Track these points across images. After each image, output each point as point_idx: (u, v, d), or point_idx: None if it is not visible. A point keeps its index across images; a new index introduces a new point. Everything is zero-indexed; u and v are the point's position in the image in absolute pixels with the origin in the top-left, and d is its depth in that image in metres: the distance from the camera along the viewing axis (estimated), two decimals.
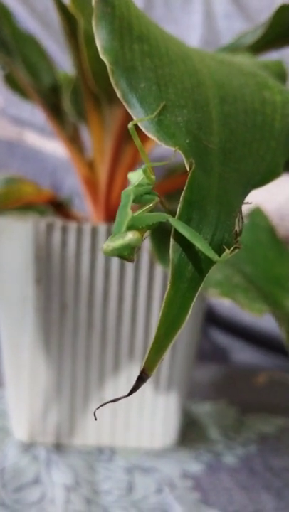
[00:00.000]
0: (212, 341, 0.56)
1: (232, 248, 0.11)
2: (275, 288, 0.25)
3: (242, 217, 0.12)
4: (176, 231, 0.11)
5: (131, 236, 0.11)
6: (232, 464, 0.33)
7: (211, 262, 0.11)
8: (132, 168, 0.35)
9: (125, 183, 0.34)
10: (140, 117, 0.12)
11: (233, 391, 0.45)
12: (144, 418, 0.32)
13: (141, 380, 0.11)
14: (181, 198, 0.11)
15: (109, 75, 0.13)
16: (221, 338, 0.55)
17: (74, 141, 0.35)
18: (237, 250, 0.11)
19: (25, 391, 0.32)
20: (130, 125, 0.12)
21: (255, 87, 0.17)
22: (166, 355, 0.31)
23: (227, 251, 0.11)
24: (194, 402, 0.42)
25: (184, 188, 0.11)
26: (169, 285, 0.11)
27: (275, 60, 0.21)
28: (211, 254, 0.10)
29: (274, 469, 0.32)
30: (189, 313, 0.11)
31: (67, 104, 0.35)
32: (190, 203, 0.11)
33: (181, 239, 0.11)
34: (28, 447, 0.32)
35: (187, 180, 0.11)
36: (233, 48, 0.25)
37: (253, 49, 0.26)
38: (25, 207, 0.33)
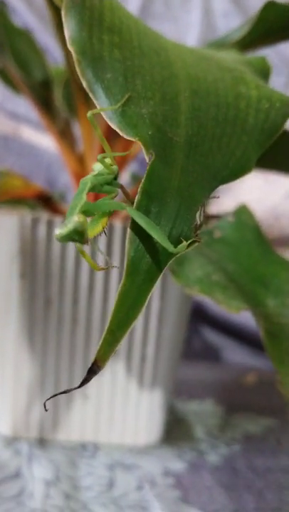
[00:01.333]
0: (203, 340, 0.56)
1: (190, 241, 0.11)
2: (258, 287, 0.25)
3: (204, 211, 0.12)
4: (133, 221, 0.11)
5: (76, 219, 0.11)
6: (215, 462, 0.32)
7: (169, 255, 0.11)
8: (123, 163, 0.35)
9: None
10: (104, 106, 0.12)
11: (221, 390, 0.45)
12: (129, 415, 0.32)
13: (92, 371, 0.11)
14: (138, 189, 0.11)
15: (75, 65, 0.13)
16: (213, 337, 0.55)
17: (65, 135, 0.34)
18: (196, 244, 0.11)
19: (9, 385, 0.31)
20: (89, 114, 0.12)
21: (231, 81, 0.16)
22: (151, 352, 0.31)
23: (184, 243, 0.11)
24: (181, 400, 0.42)
25: (143, 179, 0.11)
26: (123, 277, 0.10)
27: (258, 57, 0.21)
28: (167, 244, 0.10)
29: (257, 469, 0.32)
30: (144, 305, 0.11)
31: (58, 98, 0.35)
32: (148, 194, 0.11)
33: (139, 229, 0.11)
34: (11, 441, 0.32)
35: (146, 172, 0.11)
36: (221, 44, 0.25)
37: (240, 45, 0.26)
38: (14, 201, 0.33)
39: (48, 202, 0.34)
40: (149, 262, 0.11)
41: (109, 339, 0.10)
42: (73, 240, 0.11)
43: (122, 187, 0.13)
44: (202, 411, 0.40)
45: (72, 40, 0.13)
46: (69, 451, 0.32)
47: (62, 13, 0.13)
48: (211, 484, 0.30)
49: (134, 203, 0.11)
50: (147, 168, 0.11)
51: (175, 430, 0.36)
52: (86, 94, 0.32)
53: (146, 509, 0.27)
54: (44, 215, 0.29)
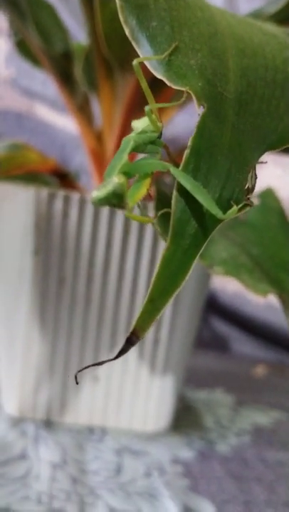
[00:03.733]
0: (213, 330, 0.55)
1: (241, 205, 0.10)
2: (282, 272, 0.24)
3: (255, 174, 0.11)
4: (179, 183, 0.10)
5: (116, 180, 0.10)
6: (224, 453, 0.32)
7: (216, 220, 0.10)
8: None
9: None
10: (148, 56, 0.11)
11: (231, 380, 0.44)
12: (138, 400, 0.32)
13: (130, 342, 0.10)
14: (188, 145, 0.10)
15: (118, 12, 0.12)
16: (222, 328, 0.54)
17: (83, 111, 0.33)
18: (248, 208, 0.10)
19: (17, 365, 0.31)
20: (135, 62, 0.11)
21: (277, 46, 0.15)
22: (164, 336, 0.30)
23: (234, 208, 0.10)
24: (191, 388, 0.41)
25: (193, 135, 0.10)
26: (168, 241, 0.09)
27: None
28: (214, 210, 0.09)
29: (267, 462, 0.31)
30: (190, 273, 0.10)
31: (78, 72, 0.33)
32: (198, 150, 0.10)
33: (185, 192, 0.10)
34: (18, 422, 0.31)
35: (196, 126, 0.10)
36: (255, 16, 0.24)
37: (274, 20, 0.24)
38: (30, 176, 0.32)
39: (63, 178, 0.33)
40: (195, 226, 0.10)
41: (149, 308, 0.09)
42: (111, 204, 0.10)
43: (166, 146, 0.12)
44: (211, 400, 0.39)
45: None
46: (76, 435, 0.31)
47: None
48: (220, 474, 0.29)
49: (183, 159, 0.10)
50: (198, 121, 0.10)
51: (184, 418, 0.35)
52: (108, 69, 0.31)
53: (154, 497, 0.26)
54: (61, 191, 0.28)
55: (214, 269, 0.21)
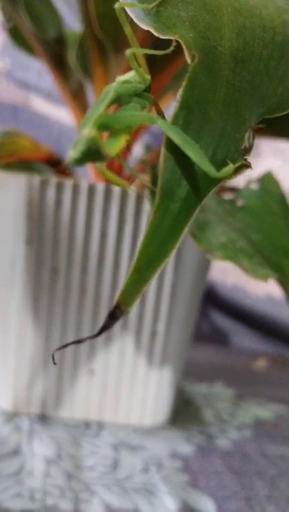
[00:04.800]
0: (212, 323, 0.54)
1: (237, 165, 0.09)
2: (283, 258, 0.23)
3: (253, 135, 0.09)
4: (168, 139, 0.09)
5: (86, 137, 0.09)
6: (225, 447, 0.31)
7: (210, 180, 0.08)
8: (137, 131, 0.32)
9: (129, 147, 0.32)
10: (136, 9, 0.10)
11: (231, 374, 0.43)
12: (136, 394, 0.30)
13: (113, 317, 0.09)
14: (177, 98, 0.09)
15: None
16: (222, 321, 0.53)
17: (78, 98, 0.32)
18: (245, 169, 0.09)
19: (11, 358, 0.30)
20: (117, 5, 0.10)
21: (275, 9, 0.14)
22: (162, 327, 0.29)
23: (230, 166, 0.09)
24: (190, 382, 0.40)
25: (182, 87, 0.09)
26: (156, 204, 0.08)
27: None
28: (208, 167, 0.08)
29: (269, 456, 0.30)
30: (179, 241, 0.09)
31: (72, 58, 0.32)
32: (189, 104, 0.09)
33: (175, 149, 0.09)
34: (11, 417, 0.30)
35: (186, 77, 0.09)
36: None
37: None
38: (22, 164, 0.31)
39: (57, 166, 0.32)
40: (186, 187, 0.08)
41: (135, 279, 0.08)
42: (91, 161, 0.09)
43: (155, 102, 0.11)
44: (211, 394, 0.38)
45: None
46: (72, 429, 0.30)
47: None
48: (220, 469, 0.28)
49: (172, 113, 0.09)
50: (188, 72, 0.09)
51: (183, 412, 0.34)
52: (102, 53, 0.30)
53: (152, 493, 0.25)
54: (53, 178, 0.27)
55: (212, 254, 0.20)
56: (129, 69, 0.27)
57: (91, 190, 0.27)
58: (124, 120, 0.09)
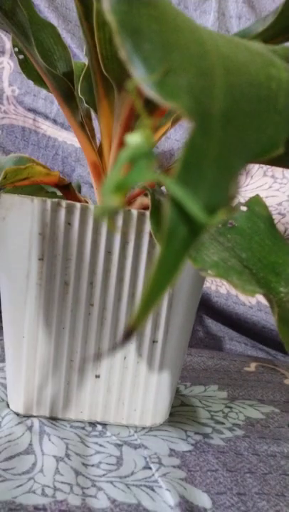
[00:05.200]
0: (207, 330, 0.55)
1: (224, 211, 0.10)
2: (270, 274, 0.24)
3: (238, 184, 0.11)
4: (171, 193, 0.10)
5: (113, 200, 0.10)
6: (219, 446, 0.32)
7: (203, 225, 0.10)
8: None
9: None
10: (142, 77, 0.11)
11: (224, 378, 0.44)
12: (137, 397, 0.32)
13: (128, 335, 0.10)
14: (178, 159, 0.10)
15: (114, 36, 0.12)
16: (216, 328, 0.55)
17: (84, 127, 0.34)
18: (232, 213, 0.10)
19: (23, 364, 0.31)
20: (130, 84, 0.11)
21: (262, 63, 0.16)
22: (161, 336, 0.31)
23: (220, 213, 0.10)
24: (186, 386, 0.41)
25: (182, 149, 0.10)
26: (163, 243, 0.10)
27: (282, 46, 0.20)
28: (201, 216, 0.10)
29: (260, 455, 0.32)
30: (180, 271, 0.10)
31: (78, 90, 0.34)
32: (188, 163, 0.10)
33: (176, 201, 0.10)
34: (23, 419, 0.32)
35: (186, 141, 0.10)
36: (243, 35, 0.24)
37: (261, 38, 0.25)
38: (34, 188, 0.32)
39: (65, 189, 0.33)
40: (184, 230, 0.10)
41: (145, 304, 0.10)
42: (110, 216, 0.11)
43: (158, 160, 0.12)
44: (206, 397, 0.39)
45: (113, 9, 0.12)
46: (78, 430, 0.31)
47: None
48: (215, 467, 0.30)
49: (175, 171, 0.10)
50: (188, 137, 0.10)
51: (180, 414, 0.36)
52: (107, 88, 0.32)
53: (152, 488, 0.27)
54: (64, 201, 0.28)
55: (206, 272, 0.21)
56: (132, 105, 0.29)
57: None
58: (134, 180, 0.11)
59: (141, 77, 0.11)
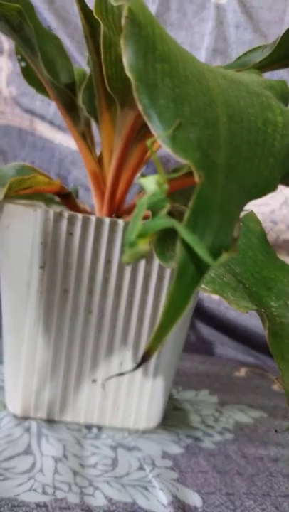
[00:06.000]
0: (199, 335, 0.58)
1: (229, 252, 0.12)
2: (262, 289, 0.26)
3: (240, 225, 0.13)
4: (181, 236, 0.12)
5: (142, 249, 0.12)
6: (209, 449, 0.34)
7: (208, 265, 0.12)
8: (138, 167, 0.36)
9: (131, 181, 0.36)
10: (158, 131, 0.13)
11: (215, 382, 0.47)
12: (132, 401, 0.34)
13: (144, 359, 0.12)
14: (189, 207, 0.13)
15: (133, 90, 0.14)
16: (208, 332, 0.57)
17: (85, 137, 0.36)
18: (234, 254, 0.13)
19: (22, 368, 0.33)
20: (149, 142, 0.13)
21: (260, 107, 0.18)
22: None
23: (224, 255, 0.12)
24: (178, 390, 0.43)
25: (192, 198, 0.12)
26: (174, 280, 0.12)
27: (279, 80, 0.23)
28: (207, 258, 0.12)
29: (248, 457, 0.34)
30: (189, 304, 0.12)
31: (80, 100, 0.36)
32: (196, 211, 0.12)
33: (186, 243, 0.12)
34: (22, 421, 0.34)
35: (195, 191, 0.13)
36: (242, 64, 0.27)
37: (259, 66, 0.27)
38: (36, 195, 0.34)
39: (65, 198, 0.35)
40: (193, 269, 0.12)
41: (160, 332, 0.12)
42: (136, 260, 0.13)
43: (172, 205, 0.14)
44: (197, 401, 0.42)
45: (131, 67, 0.14)
46: (75, 432, 0.34)
47: (121, 41, 0.15)
48: (205, 469, 0.32)
49: (184, 218, 0.12)
50: (197, 188, 0.13)
51: (173, 417, 0.38)
52: (110, 101, 0.34)
53: (146, 488, 0.29)
54: (66, 212, 0.30)
55: (203, 288, 0.23)
56: (134, 121, 0.31)
57: (98, 222, 0.30)
58: (154, 228, 0.13)
59: (156, 131, 0.13)
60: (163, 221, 0.13)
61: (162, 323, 0.12)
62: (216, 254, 0.12)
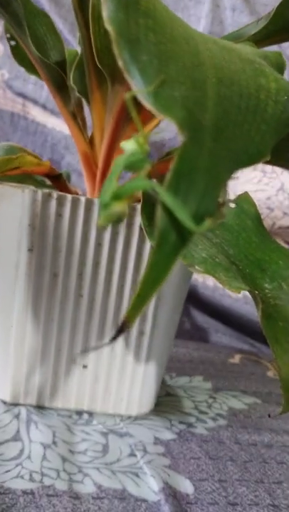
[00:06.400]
0: (193, 321, 0.57)
1: (214, 219, 0.11)
2: (256, 271, 0.25)
3: (227, 191, 0.12)
4: (162, 200, 0.11)
5: (117, 210, 0.11)
6: (202, 435, 0.33)
7: (192, 232, 0.11)
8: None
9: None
10: (140, 88, 0.12)
11: (209, 369, 0.46)
12: (123, 387, 0.33)
13: (121, 330, 0.11)
14: (170, 168, 0.11)
15: (113, 45, 0.13)
16: (202, 319, 0.56)
17: (76, 117, 0.34)
18: (220, 221, 0.11)
19: (11, 353, 0.32)
20: (128, 95, 0.12)
21: (252, 73, 0.17)
22: (148, 328, 0.32)
23: (208, 221, 0.11)
24: (172, 377, 0.42)
25: (175, 159, 0.11)
26: (154, 247, 0.11)
27: (274, 51, 0.21)
28: (189, 224, 0.11)
29: (241, 444, 0.33)
30: (169, 273, 0.11)
31: (71, 79, 0.34)
32: (179, 173, 0.11)
33: (167, 208, 0.11)
34: (11, 407, 0.33)
35: (178, 152, 0.11)
36: (236, 37, 0.25)
37: (254, 40, 0.26)
38: (25, 176, 0.33)
39: (56, 180, 0.34)
40: (175, 236, 0.11)
41: (137, 302, 0.11)
42: (113, 223, 0.12)
43: (152, 166, 0.13)
44: (191, 387, 0.41)
45: (111, 20, 0.13)
46: (65, 418, 0.33)
47: None
48: (198, 455, 0.31)
49: (165, 180, 0.11)
50: (180, 148, 0.11)
51: (165, 404, 0.37)
52: (101, 79, 0.32)
53: (137, 475, 0.28)
54: (55, 192, 0.29)
55: (195, 268, 0.22)
56: (125, 102, 0.29)
57: (88, 204, 0.29)
58: (130, 190, 0.12)
59: (137, 88, 0.12)
60: (141, 182, 0.12)
61: (140, 293, 0.11)
62: (199, 220, 0.11)
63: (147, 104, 0.12)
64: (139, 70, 0.12)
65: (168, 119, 0.12)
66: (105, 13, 0.13)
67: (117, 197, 0.12)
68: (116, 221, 0.12)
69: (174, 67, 0.13)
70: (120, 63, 0.13)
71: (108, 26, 0.13)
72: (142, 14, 0.14)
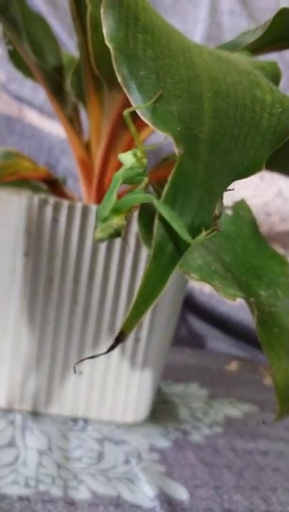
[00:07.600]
0: (190, 328, 0.57)
1: (209, 230, 0.12)
2: (252, 278, 0.26)
3: (222, 203, 0.13)
4: (160, 212, 0.12)
5: (115, 224, 0.12)
6: (198, 442, 0.34)
7: (187, 243, 0.12)
8: None
9: (119, 167, 0.35)
10: (138, 103, 0.13)
11: (205, 376, 0.46)
12: (119, 393, 0.34)
13: (118, 340, 0.12)
14: (167, 181, 0.12)
15: (112, 60, 0.14)
16: (198, 326, 0.57)
17: (73, 121, 0.35)
18: (215, 232, 0.12)
19: (6, 359, 0.32)
20: (126, 112, 0.13)
21: (248, 85, 0.17)
22: (144, 335, 0.32)
23: (203, 233, 0.12)
24: (167, 383, 0.43)
25: (172, 172, 0.12)
26: (150, 259, 0.12)
27: (270, 61, 0.22)
28: (185, 236, 0.11)
29: (237, 451, 0.34)
30: (166, 285, 0.12)
31: (68, 85, 0.35)
32: (176, 186, 0.12)
33: (164, 220, 0.12)
34: (6, 413, 0.33)
35: (175, 165, 0.12)
36: (233, 46, 0.26)
37: (251, 49, 0.26)
38: (22, 182, 0.34)
39: (52, 185, 0.35)
40: (171, 247, 0.12)
41: (135, 313, 0.12)
42: (110, 239, 0.12)
43: (150, 179, 0.14)
44: (186, 394, 0.42)
45: (110, 37, 0.14)
46: (60, 425, 0.33)
47: (102, 10, 0.14)
48: (193, 462, 0.32)
49: (163, 193, 0.12)
50: (177, 162, 0.12)
51: (161, 410, 0.38)
52: (98, 84, 0.33)
53: (132, 481, 0.29)
54: (51, 198, 0.30)
55: (190, 276, 0.23)
56: (122, 104, 0.30)
57: (85, 210, 0.30)
58: (129, 204, 0.13)
59: (135, 103, 0.13)
60: (139, 196, 0.13)
61: (137, 304, 0.12)
62: (195, 232, 0.12)
63: (145, 119, 0.13)
64: (137, 85, 0.13)
65: (165, 134, 0.12)
66: (105, 30, 0.14)
67: (116, 211, 0.13)
68: (114, 235, 0.12)
69: (170, 80, 0.14)
70: (119, 78, 0.13)
71: (108, 43, 0.14)
72: (141, 29, 0.14)
